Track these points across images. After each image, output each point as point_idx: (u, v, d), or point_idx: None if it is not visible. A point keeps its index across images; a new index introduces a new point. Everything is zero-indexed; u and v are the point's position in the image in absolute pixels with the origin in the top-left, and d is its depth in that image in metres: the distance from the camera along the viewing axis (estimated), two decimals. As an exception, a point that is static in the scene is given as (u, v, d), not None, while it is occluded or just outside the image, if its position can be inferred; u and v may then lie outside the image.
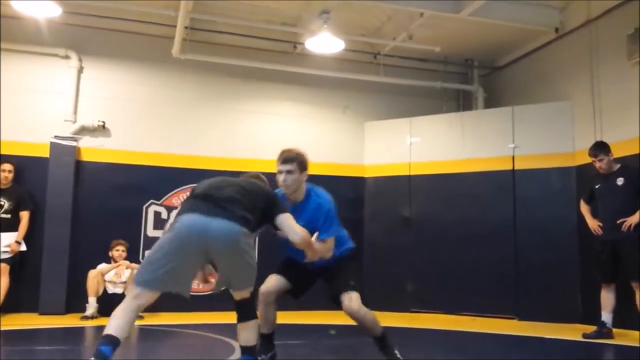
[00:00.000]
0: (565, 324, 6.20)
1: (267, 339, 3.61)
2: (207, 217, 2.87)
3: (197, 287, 7.14)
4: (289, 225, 3.12)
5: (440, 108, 8.36)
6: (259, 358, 3.40)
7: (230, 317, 5.29)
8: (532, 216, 6.79)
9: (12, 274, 6.24)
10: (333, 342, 4.98)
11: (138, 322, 5.76)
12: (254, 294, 3.09)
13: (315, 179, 3.65)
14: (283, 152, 3.50)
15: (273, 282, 3.55)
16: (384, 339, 3.54)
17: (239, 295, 3.01)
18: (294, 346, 4.40)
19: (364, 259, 7.46)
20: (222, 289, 3.06)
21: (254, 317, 3.07)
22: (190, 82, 7.69)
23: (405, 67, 8.28)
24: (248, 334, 3.02)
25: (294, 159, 3.42)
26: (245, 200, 3.00)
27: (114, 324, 2.72)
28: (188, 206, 3.00)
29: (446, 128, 7.66)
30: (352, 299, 3.38)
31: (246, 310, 3.04)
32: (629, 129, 5.86)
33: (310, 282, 3.68)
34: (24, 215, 6.42)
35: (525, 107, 7.21)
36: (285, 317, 3.40)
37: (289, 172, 3.40)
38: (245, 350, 3.04)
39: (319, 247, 3.32)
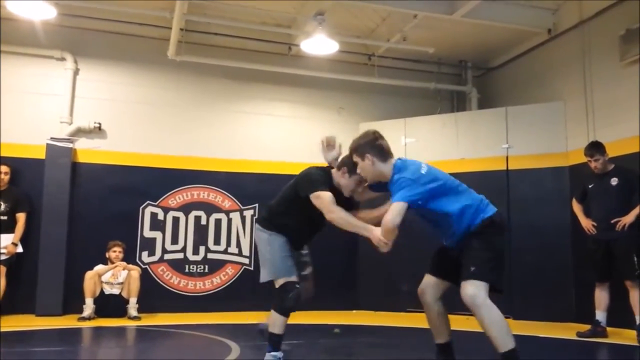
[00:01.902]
0: (560, 323, 6.26)
1: (440, 351, 3.25)
2: None
3: (195, 287, 7.22)
4: (320, 206, 3.30)
5: (434, 109, 8.40)
6: None
7: (226, 318, 5.32)
8: (525, 216, 6.82)
9: (9, 276, 6.25)
10: (329, 342, 5.00)
11: (135, 323, 5.81)
12: (287, 288, 3.37)
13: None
14: None
15: (423, 282, 3.36)
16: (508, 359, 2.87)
17: (274, 284, 3.43)
18: (290, 346, 4.42)
19: (360, 260, 7.51)
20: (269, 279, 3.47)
21: (275, 308, 3.38)
22: (186, 83, 7.71)
23: (400, 69, 8.33)
24: (268, 319, 3.42)
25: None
26: (274, 201, 3.62)
27: None
28: None
29: (440, 128, 7.69)
30: (466, 287, 2.97)
31: (275, 299, 3.40)
32: (621, 129, 5.92)
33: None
34: (21, 217, 6.43)
35: (518, 107, 7.25)
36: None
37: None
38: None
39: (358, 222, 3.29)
